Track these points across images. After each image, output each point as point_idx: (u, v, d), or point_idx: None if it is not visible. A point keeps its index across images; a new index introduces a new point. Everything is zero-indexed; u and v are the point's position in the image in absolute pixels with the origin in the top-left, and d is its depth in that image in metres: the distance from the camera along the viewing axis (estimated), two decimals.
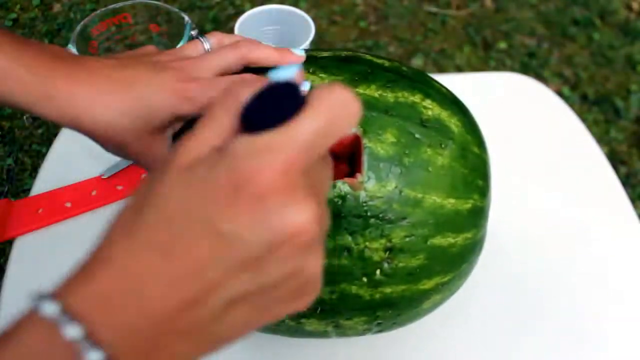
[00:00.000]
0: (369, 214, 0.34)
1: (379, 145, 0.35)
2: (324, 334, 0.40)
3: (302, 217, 0.19)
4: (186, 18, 0.51)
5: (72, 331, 0.18)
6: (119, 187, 0.58)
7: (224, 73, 0.36)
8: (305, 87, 0.36)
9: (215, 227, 0.19)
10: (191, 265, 0.19)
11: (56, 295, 0.19)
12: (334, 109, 0.20)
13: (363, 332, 0.40)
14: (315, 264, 0.21)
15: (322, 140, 0.20)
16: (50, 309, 0.18)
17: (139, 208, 0.20)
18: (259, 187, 0.18)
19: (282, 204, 0.19)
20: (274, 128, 0.20)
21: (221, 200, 0.19)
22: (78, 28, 0.50)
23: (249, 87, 0.22)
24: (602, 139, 1.42)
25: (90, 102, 0.32)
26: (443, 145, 0.36)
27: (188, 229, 0.19)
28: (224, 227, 0.19)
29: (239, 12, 1.65)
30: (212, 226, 0.19)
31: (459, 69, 1.55)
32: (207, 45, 0.38)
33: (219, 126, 0.21)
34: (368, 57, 0.40)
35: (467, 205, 0.37)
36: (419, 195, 0.35)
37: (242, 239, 0.19)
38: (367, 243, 0.34)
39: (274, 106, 0.20)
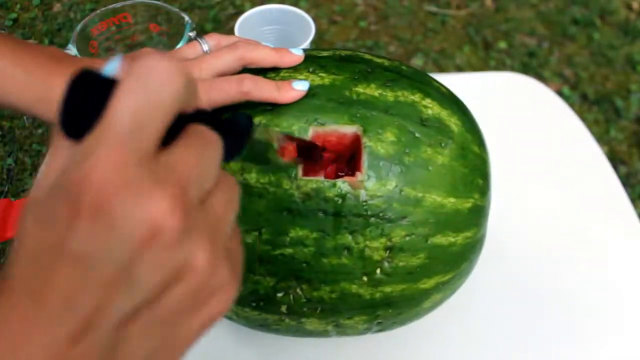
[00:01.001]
0: (369, 213, 0.34)
1: (379, 144, 0.35)
2: (324, 334, 0.40)
3: (152, 211, 0.17)
4: (186, 18, 0.51)
5: None
6: None
7: (223, 74, 0.36)
8: (304, 86, 0.36)
9: (67, 251, 0.17)
10: (60, 299, 0.17)
11: None
12: (142, 82, 0.18)
13: (363, 332, 0.40)
14: (201, 256, 0.18)
15: (143, 120, 0.17)
16: None
17: (11, 256, 0.18)
18: (93, 194, 0.16)
19: (124, 203, 0.16)
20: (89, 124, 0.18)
21: (64, 221, 0.17)
22: (78, 28, 0.50)
23: None
24: (602, 139, 1.42)
25: None
26: (443, 145, 0.36)
27: (44, 262, 0.17)
28: (75, 248, 0.17)
29: (239, 12, 1.65)
30: (63, 252, 0.17)
31: (459, 69, 1.55)
32: (205, 47, 0.38)
33: (61, 149, 0.19)
34: (368, 56, 0.40)
35: (468, 204, 0.37)
36: (419, 194, 0.35)
37: (97, 256, 0.17)
38: (367, 242, 0.34)
39: (88, 104, 0.18)
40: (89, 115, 0.18)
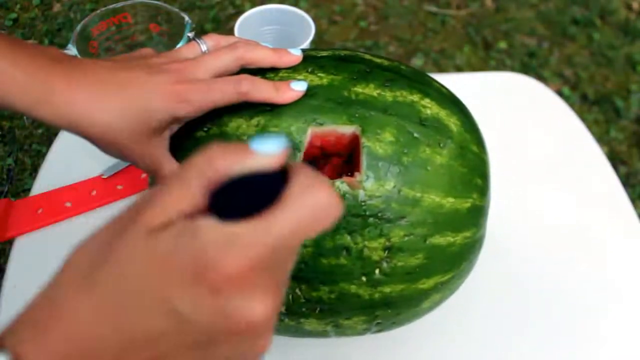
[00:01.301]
0: (367, 213, 0.34)
1: (378, 144, 0.35)
2: (323, 334, 0.40)
3: (258, 313, 0.19)
4: (186, 18, 0.51)
5: None
6: (119, 187, 0.58)
7: (221, 74, 0.36)
8: (302, 87, 0.36)
9: (171, 305, 0.19)
10: (141, 338, 0.19)
11: (4, 341, 0.19)
12: (313, 211, 0.20)
13: (362, 332, 0.40)
14: (262, 344, 0.21)
15: (294, 240, 0.19)
16: None
17: (98, 263, 0.20)
18: (221, 277, 0.18)
19: (241, 298, 0.19)
20: (245, 217, 0.19)
21: (181, 280, 0.19)
22: (78, 28, 0.50)
23: (228, 155, 0.20)
24: (602, 139, 1.42)
25: (88, 106, 0.32)
26: (442, 145, 0.36)
27: (142, 302, 0.19)
28: (179, 307, 0.19)
29: (239, 12, 1.65)
30: (167, 304, 0.19)
31: (459, 69, 1.55)
32: (204, 47, 0.38)
33: (189, 191, 0.20)
34: (367, 56, 0.40)
35: (466, 204, 0.37)
36: (418, 194, 0.35)
37: (196, 322, 0.19)
38: (366, 242, 0.34)
39: (248, 190, 0.20)
40: (241, 200, 0.20)
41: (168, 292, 0.19)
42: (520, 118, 0.67)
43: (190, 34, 0.50)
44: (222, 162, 0.20)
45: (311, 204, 0.19)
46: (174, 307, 0.19)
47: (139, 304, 0.19)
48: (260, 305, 0.19)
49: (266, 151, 0.20)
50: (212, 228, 0.19)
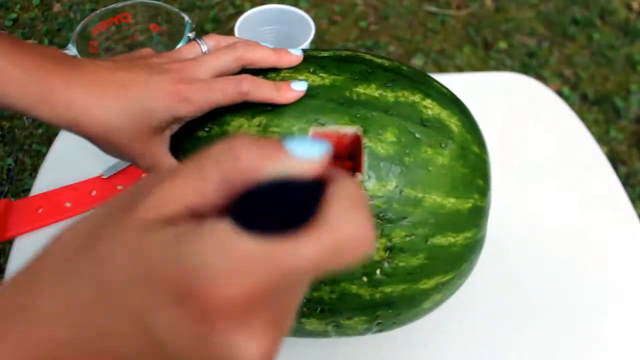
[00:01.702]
0: None
1: (379, 145, 0.35)
2: (323, 334, 0.40)
3: (252, 353, 0.16)
4: (186, 18, 0.51)
5: None
6: (119, 187, 0.58)
7: (222, 74, 0.36)
8: (303, 87, 0.36)
9: (144, 321, 0.16)
10: (106, 348, 0.17)
11: None
12: (347, 241, 0.16)
13: (363, 332, 0.40)
14: None
15: (315, 272, 0.16)
16: None
17: (79, 252, 0.17)
18: (214, 302, 0.15)
19: (234, 331, 0.15)
20: (266, 231, 0.15)
21: (165, 294, 0.15)
22: (78, 28, 0.50)
23: (256, 150, 0.17)
24: (602, 139, 1.42)
25: (88, 105, 0.32)
26: (443, 145, 0.36)
27: (113, 310, 0.16)
28: (153, 325, 0.16)
29: (239, 12, 1.66)
30: (141, 319, 0.16)
31: (459, 69, 1.55)
32: (204, 48, 0.38)
33: (201, 182, 0.17)
34: (368, 56, 0.40)
35: (468, 204, 0.37)
36: (419, 195, 0.35)
37: (170, 349, 0.16)
38: None
39: (275, 198, 0.16)
40: (266, 211, 0.16)
41: (145, 306, 0.16)
42: (520, 118, 0.67)
43: (191, 34, 0.50)
44: (248, 157, 0.16)
45: (346, 234, 0.16)
46: (147, 324, 0.16)
47: (109, 311, 0.16)
48: (257, 344, 0.16)
49: (306, 155, 0.17)
50: (219, 236, 0.15)
